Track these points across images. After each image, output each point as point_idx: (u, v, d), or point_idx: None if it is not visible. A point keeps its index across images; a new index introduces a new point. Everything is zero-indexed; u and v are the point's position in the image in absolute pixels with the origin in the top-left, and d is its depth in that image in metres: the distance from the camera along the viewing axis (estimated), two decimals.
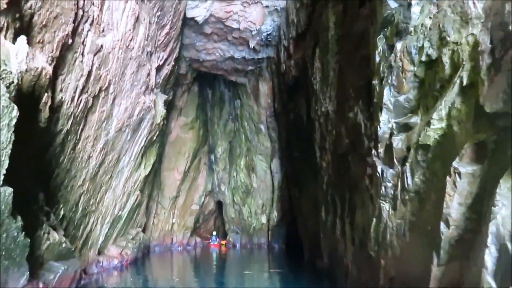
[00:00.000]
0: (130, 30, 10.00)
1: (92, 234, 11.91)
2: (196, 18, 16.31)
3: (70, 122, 7.72)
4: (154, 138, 15.66)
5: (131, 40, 10.20)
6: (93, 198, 11.09)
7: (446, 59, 4.55)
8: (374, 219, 6.42)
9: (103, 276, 12.59)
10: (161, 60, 14.59)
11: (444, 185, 4.46)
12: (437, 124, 4.58)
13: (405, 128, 5.45)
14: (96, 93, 8.81)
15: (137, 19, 10.38)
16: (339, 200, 9.21)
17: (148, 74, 12.50)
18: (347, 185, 8.56)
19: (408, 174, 5.31)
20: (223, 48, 19.43)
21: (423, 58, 4.99)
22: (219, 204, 25.62)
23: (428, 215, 4.84)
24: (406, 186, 5.36)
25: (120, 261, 14.61)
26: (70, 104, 7.47)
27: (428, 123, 4.70)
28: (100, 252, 13.46)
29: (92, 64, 8.17)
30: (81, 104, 8.09)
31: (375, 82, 6.09)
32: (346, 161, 8.54)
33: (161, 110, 15.26)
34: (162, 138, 19.56)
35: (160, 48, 14.21)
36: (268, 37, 17.58)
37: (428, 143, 4.79)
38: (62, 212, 9.05)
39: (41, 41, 5.69)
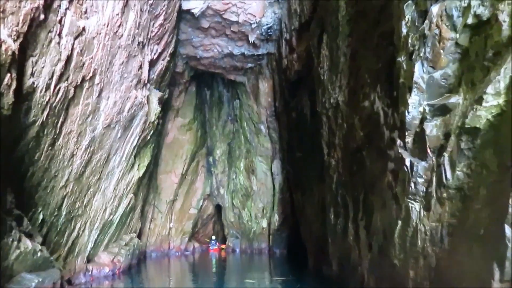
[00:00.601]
0: (118, 15, 9.05)
1: (79, 240, 10.90)
2: (192, 11, 15.40)
3: (46, 113, 6.73)
4: (148, 137, 14.68)
5: (119, 26, 9.25)
6: (79, 201, 10.08)
7: (504, 17, 3.60)
8: (400, 222, 5.44)
9: (92, 286, 11.60)
10: (154, 54, 13.65)
11: (500, 178, 3.51)
12: (492, 100, 3.62)
13: (442, 110, 4.49)
14: (79, 83, 7.84)
15: (126, 4, 9.44)
16: (352, 202, 8.23)
17: (140, 67, 11.53)
18: (361, 184, 7.59)
19: (447, 166, 4.34)
20: (221, 44, 18.52)
21: (470, 21, 4.03)
22: (218, 208, 24.74)
23: (477, 216, 3.87)
24: (444, 181, 4.39)
25: (111, 269, 13.60)
26: (45, 92, 6.49)
27: (479, 101, 3.74)
28: (89, 260, 12.45)
29: (73, 49, 7.20)
30: (60, 94, 7.11)
31: (401, 59, 5.13)
32: (360, 157, 7.57)
33: (155, 107, 14.29)
34: (158, 139, 18.64)
35: (154, 40, 13.28)
36: (269, 30, 16.65)
37: (478, 125, 3.83)
38: (40, 217, 8.04)
39: (0, 10, 4.74)
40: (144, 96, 12.49)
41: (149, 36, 12.41)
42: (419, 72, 4.66)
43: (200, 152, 24.18)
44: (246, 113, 23.01)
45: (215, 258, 21.30)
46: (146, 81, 12.52)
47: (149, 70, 13.09)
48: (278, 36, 16.93)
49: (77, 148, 8.87)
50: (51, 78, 6.56)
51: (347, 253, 8.53)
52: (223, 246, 23.96)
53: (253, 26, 16.31)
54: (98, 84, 8.86)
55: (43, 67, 6.23)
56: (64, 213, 9.35)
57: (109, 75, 9.43)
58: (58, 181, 8.46)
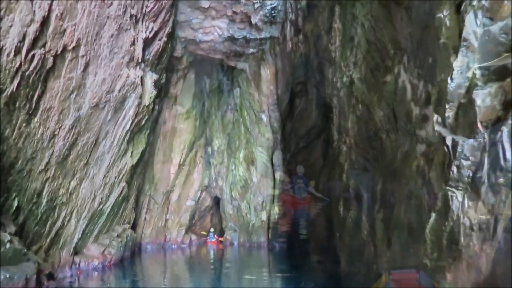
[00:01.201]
0: None
1: (64, 231, 9.99)
2: None
3: (16, 82, 5.79)
4: (143, 122, 13.73)
5: None
6: (63, 188, 9.16)
7: None
8: (434, 215, 4.53)
9: (79, 280, 10.73)
10: (150, 32, 12.63)
11: None
12: None
13: (500, 74, 3.56)
14: (59, 52, 6.88)
15: None
16: (366, 192, 7.32)
17: (133, 43, 10.56)
18: (379, 172, 6.67)
19: (506, 144, 3.44)
20: (221, 26, 17.51)
21: None
22: (216, 200, 23.84)
23: None
24: (501, 162, 3.48)
25: (101, 261, 12.72)
26: (15, 56, 5.55)
27: None
28: (77, 252, 11.55)
29: (50, 10, 6.24)
30: (35, 62, 6.16)
31: (442, 14, 4.19)
32: (378, 141, 6.66)
33: (150, 90, 13.29)
34: (154, 126, 17.71)
35: (149, 17, 12.26)
36: (273, 12, 15.64)
37: None
38: (15, 203, 7.11)
39: None
40: (138, 76, 11.51)
41: (143, 11, 11.40)
42: (471, 26, 3.72)
43: (199, 142, 23.29)
44: (247, 102, 22.07)
45: (213, 251, 20.52)
46: (140, 60, 11.54)
47: (144, 50, 12.11)
48: (283, 19, 15.94)
49: (59, 128, 7.92)
50: (22, 40, 5.61)
51: (359, 250, 7.63)
52: (221, 239, 23.19)
53: (256, 6, 15.29)
54: (83, 56, 7.89)
55: (10, 26, 5.28)
56: (45, 200, 8.43)
57: (97, 48, 8.46)
58: (36, 164, 7.53)
